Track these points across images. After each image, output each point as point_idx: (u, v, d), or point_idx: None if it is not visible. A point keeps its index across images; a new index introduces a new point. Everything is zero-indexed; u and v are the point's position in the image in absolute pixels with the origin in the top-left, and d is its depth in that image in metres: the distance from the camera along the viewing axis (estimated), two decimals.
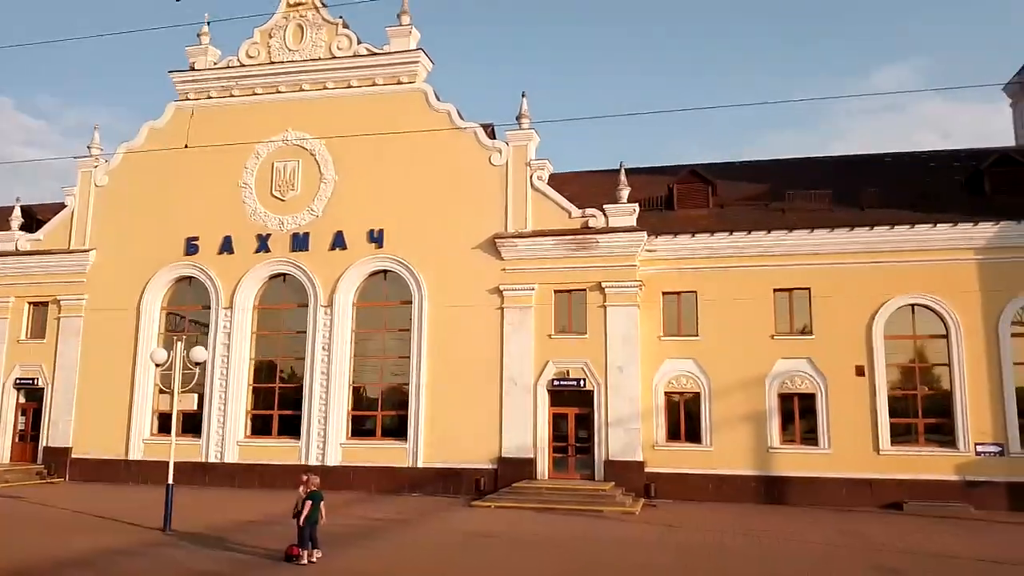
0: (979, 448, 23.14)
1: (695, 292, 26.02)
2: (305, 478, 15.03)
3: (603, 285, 25.51)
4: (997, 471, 22.92)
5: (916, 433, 23.98)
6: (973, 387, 23.49)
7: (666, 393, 25.80)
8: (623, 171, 26.79)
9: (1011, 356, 23.50)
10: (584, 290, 25.77)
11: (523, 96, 27.64)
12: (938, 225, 24.31)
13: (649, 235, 26.06)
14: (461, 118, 27.85)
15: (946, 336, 24.07)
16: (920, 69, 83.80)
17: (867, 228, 24.76)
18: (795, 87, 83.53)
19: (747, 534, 18.33)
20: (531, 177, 26.79)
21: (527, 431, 25.03)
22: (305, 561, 14.26)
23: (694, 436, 25.26)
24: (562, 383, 25.38)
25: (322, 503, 14.69)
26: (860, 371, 24.13)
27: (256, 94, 29.61)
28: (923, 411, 24.09)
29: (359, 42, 28.93)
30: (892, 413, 23.94)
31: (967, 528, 19.58)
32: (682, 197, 28.62)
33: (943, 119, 73.97)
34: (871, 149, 53.96)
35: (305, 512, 14.39)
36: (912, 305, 24.40)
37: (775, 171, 29.69)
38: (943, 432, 23.82)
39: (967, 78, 72.14)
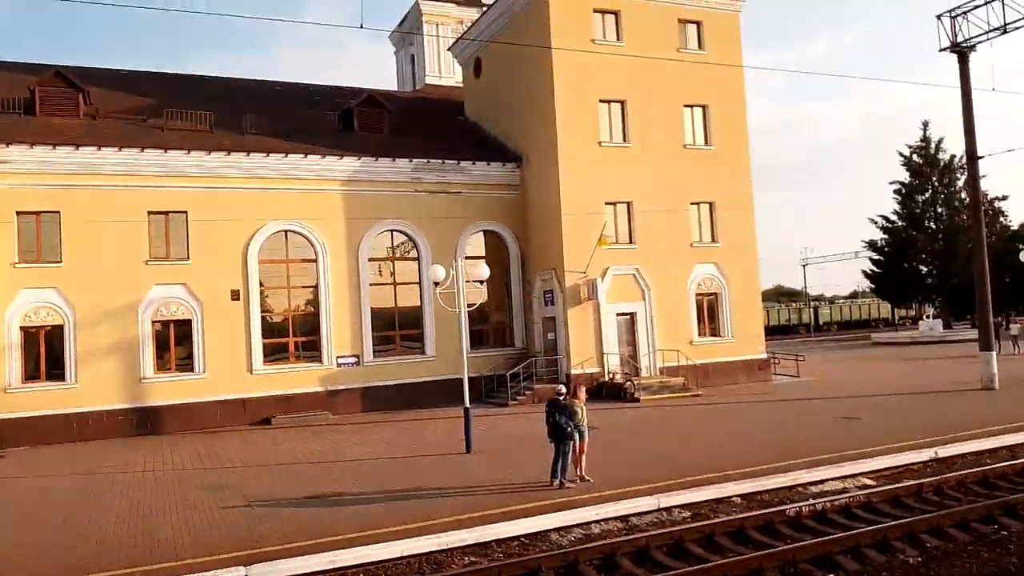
0: (340, 360, 25.91)
1: (59, 212, 23.09)
2: None
3: None
4: (354, 379, 26.00)
5: (288, 351, 25.67)
6: (337, 306, 26.04)
7: (22, 328, 22.58)
8: None
9: (368, 278, 26.67)
10: None
11: None
12: (309, 156, 25.88)
13: (0, 143, 22.03)
14: None
15: (315, 260, 26.06)
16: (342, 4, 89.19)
17: (245, 153, 25.02)
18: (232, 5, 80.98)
19: (90, 473, 17.11)
20: None
21: None
22: None
23: (58, 374, 22.75)
24: None
25: None
26: (236, 295, 24.60)
27: None
28: (295, 330, 25.89)
29: None
30: (266, 334, 25.14)
31: (315, 433, 21.73)
32: (46, 102, 24.93)
33: (370, 58, 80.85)
34: (314, 80, 55.77)
35: None
36: (286, 231, 25.69)
37: (159, 85, 28.03)
38: (312, 348, 25.96)
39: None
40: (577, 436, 13.43)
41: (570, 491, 12.66)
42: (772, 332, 75.91)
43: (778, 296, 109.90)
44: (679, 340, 27.29)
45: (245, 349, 24.63)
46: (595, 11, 27.25)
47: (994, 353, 22.88)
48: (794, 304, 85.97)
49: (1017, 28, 22.16)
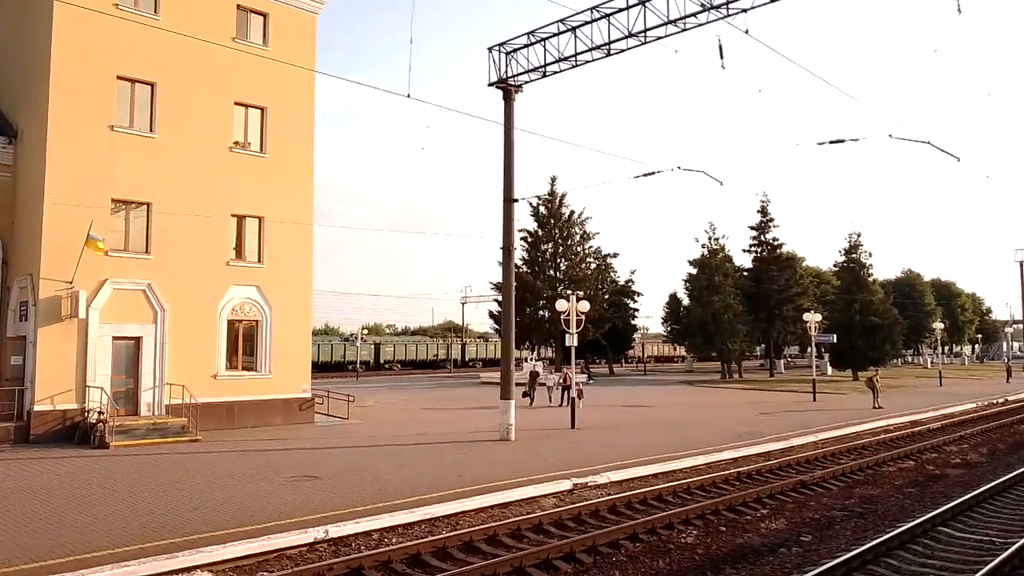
0: None
1: None
2: None
3: None
4: None
5: None
6: None
7: None
8: None
9: None
10: None
11: None
12: None
13: None
14: None
15: None
16: None
17: None
18: None
19: None
20: None
21: None
22: None
23: None
24: None
25: None
26: None
27: None
28: None
29: None
30: None
31: None
32: None
33: None
34: None
35: None
36: None
37: None
38: None
39: None
40: None
41: None
42: (421, 366, 76.22)
43: (445, 332, 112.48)
44: (201, 373, 23.04)
45: None
46: None
47: (512, 402, 21.99)
48: (443, 340, 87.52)
49: (555, 72, 21.91)
